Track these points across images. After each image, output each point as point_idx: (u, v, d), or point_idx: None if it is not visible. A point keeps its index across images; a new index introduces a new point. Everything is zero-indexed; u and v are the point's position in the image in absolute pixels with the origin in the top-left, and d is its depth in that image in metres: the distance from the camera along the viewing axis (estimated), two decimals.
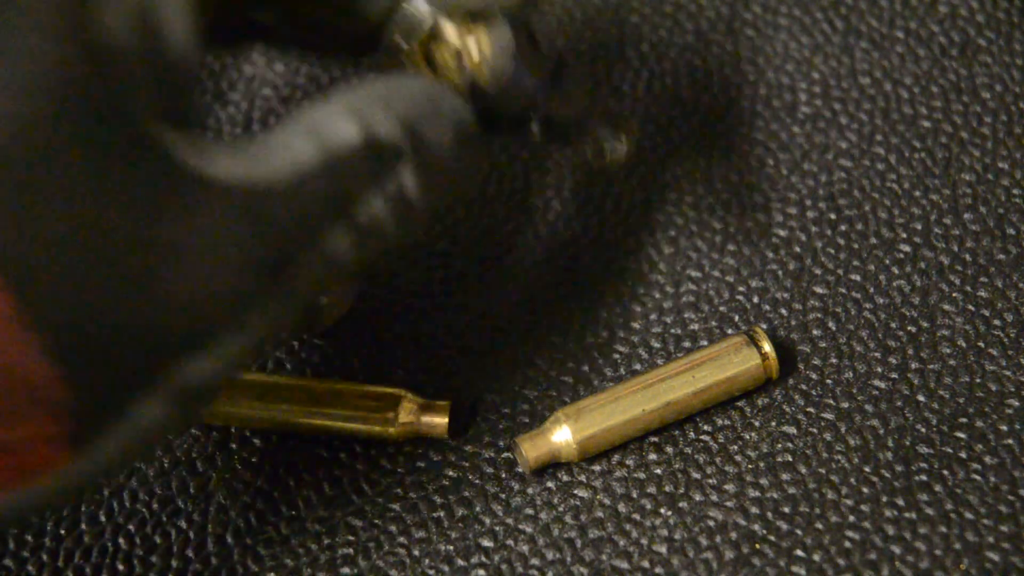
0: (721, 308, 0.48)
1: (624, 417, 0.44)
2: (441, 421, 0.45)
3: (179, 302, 0.31)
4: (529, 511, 0.44)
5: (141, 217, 0.31)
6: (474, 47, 0.41)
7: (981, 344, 0.46)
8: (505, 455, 0.45)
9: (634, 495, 0.44)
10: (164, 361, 0.32)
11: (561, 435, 0.44)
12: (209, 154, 0.33)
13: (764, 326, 0.47)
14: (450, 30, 0.41)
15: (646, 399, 0.44)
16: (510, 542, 0.44)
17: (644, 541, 0.43)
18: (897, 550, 0.43)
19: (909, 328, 0.47)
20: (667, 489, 0.44)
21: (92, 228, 0.30)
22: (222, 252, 0.32)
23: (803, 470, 0.44)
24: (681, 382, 0.44)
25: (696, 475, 0.44)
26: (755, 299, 0.48)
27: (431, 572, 0.43)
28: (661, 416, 0.44)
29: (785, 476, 0.44)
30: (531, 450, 0.44)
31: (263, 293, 0.33)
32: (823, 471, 0.44)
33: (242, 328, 0.33)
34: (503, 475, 0.45)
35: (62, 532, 0.44)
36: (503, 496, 0.44)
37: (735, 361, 0.45)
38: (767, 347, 0.45)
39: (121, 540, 0.44)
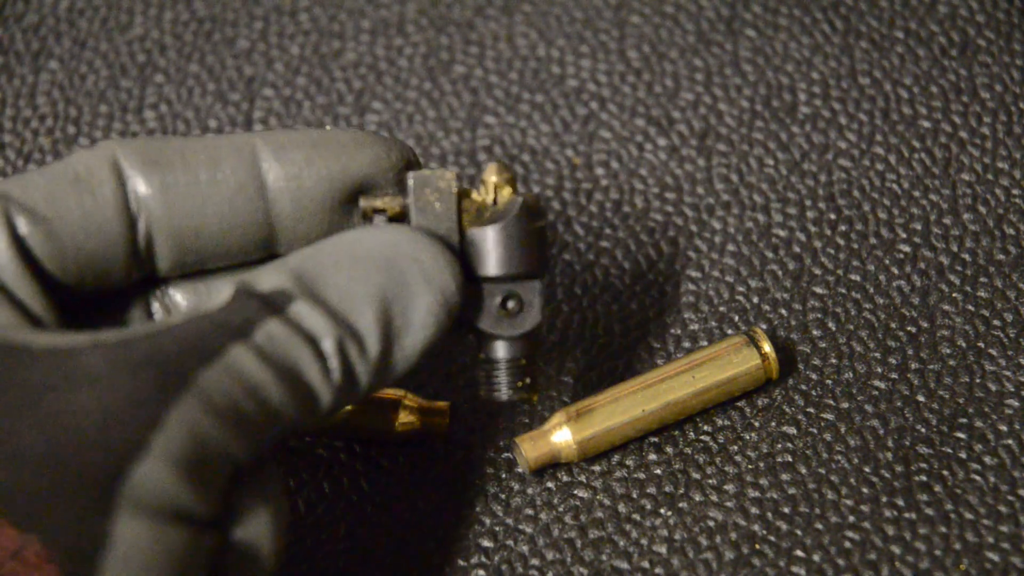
0: (721, 308, 0.48)
1: (624, 417, 0.44)
2: (441, 421, 0.45)
3: (79, 432, 0.34)
4: (529, 511, 0.44)
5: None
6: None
7: (981, 344, 0.46)
8: (505, 455, 0.45)
9: (634, 495, 0.44)
10: (102, 480, 0.34)
11: (561, 435, 0.44)
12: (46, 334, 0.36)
13: (764, 326, 0.47)
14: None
15: (646, 399, 0.44)
16: (510, 542, 0.44)
17: (644, 541, 0.43)
18: (897, 550, 0.43)
19: (909, 328, 0.47)
20: (667, 489, 0.44)
21: None
22: (92, 391, 0.35)
23: (803, 470, 0.44)
24: (681, 382, 0.44)
25: (696, 475, 0.44)
26: (755, 299, 0.48)
27: (431, 572, 0.43)
28: (661, 416, 0.44)
29: (785, 476, 0.44)
30: (531, 450, 0.44)
31: (156, 406, 0.35)
32: (823, 471, 0.44)
33: (157, 431, 0.34)
34: (503, 475, 0.45)
35: None
36: (503, 496, 0.44)
37: (735, 361, 0.45)
38: (767, 347, 0.45)
39: None
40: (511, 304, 0.40)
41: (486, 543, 0.44)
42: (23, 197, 0.38)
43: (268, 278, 0.37)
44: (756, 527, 0.43)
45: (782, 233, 0.49)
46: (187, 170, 0.39)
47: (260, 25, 0.55)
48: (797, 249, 0.49)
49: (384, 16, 0.55)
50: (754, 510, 0.44)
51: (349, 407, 0.44)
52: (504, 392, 0.40)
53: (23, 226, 0.37)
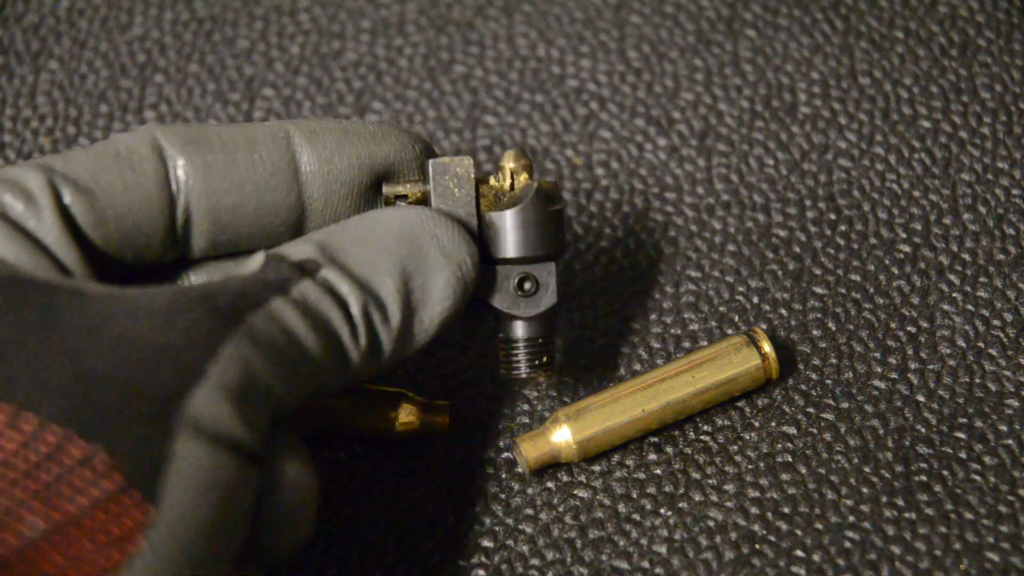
0: (721, 308, 0.48)
1: (624, 417, 0.44)
2: (442, 421, 0.45)
3: (141, 356, 0.36)
4: (529, 511, 0.44)
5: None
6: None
7: (981, 344, 0.46)
8: (505, 455, 0.45)
9: (634, 495, 0.44)
10: (163, 401, 0.35)
11: (561, 435, 0.44)
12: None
13: (764, 326, 0.47)
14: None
15: (646, 399, 0.44)
16: (510, 542, 0.44)
17: (644, 541, 0.43)
18: (897, 550, 0.43)
19: (909, 328, 0.47)
20: (667, 489, 0.44)
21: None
22: (152, 322, 0.37)
23: (803, 470, 0.44)
24: (681, 382, 0.44)
25: (696, 475, 0.44)
26: (755, 299, 0.48)
27: (431, 572, 0.43)
28: (661, 417, 0.44)
29: (785, 476, 0.44)
30: (531, 450, 0.44)
31: (213, 338, 0.37)
32: (823, 471, 0.44)
33: (213, 362, 0.36)
34: (503, 475, 0.45)
35: None
36: (503, 496, 0.44)
37: (735, 361, 0.45)
38: (767, 347, 0.45)
39: None
40: (527, 285, 0.42)
41: (486, 543, 0.44)
42: (67, 169, 0.40)
43: (297, 249, 0.39)
44: (756, 527, 0.43)
45: (782, 233, 0.49)
46: (226, 151, 0.41)
47: (260, 25, 0.55)
48: (797, 249, 0.49)
49: (384, 16, 0.55)
50: (754, 510, 0.44)
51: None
52: (523, 370, 0.42)
53: (68, 196, 0.39)
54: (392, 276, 0.39)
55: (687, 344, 0.47)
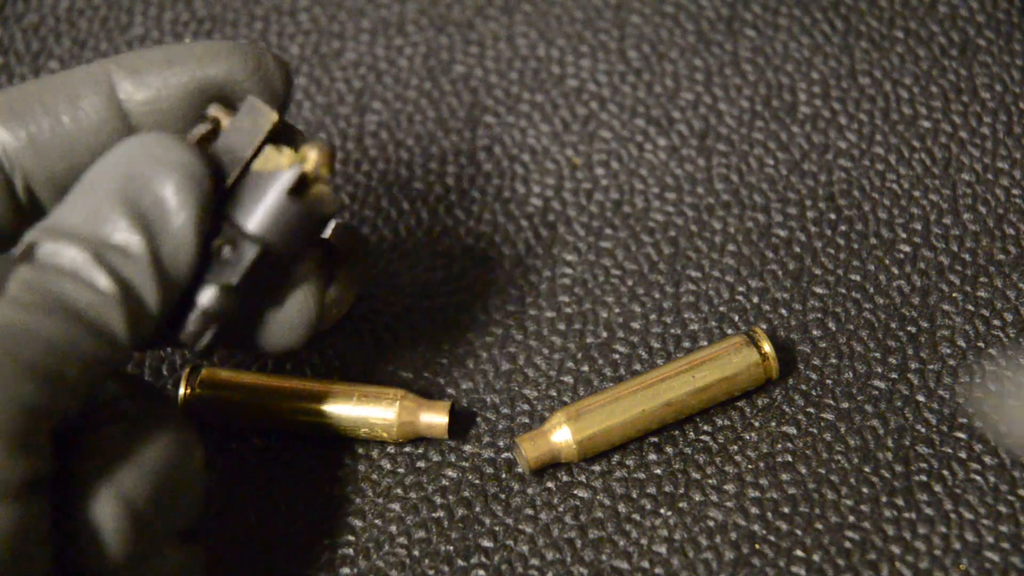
0: (721, 308, 0.48)
1: (624, 417, 0.44)
2: (441, 421, 0.45)
3: None
4: (529, 511, 0.44)
5: None
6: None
7: (981, 344, 0.46)
8: (505, 455, 0.45)
9: (634, 495, 0.44)
10: None
11: (561, 435, 0.44)
12: None
13: (764, 326, 0.47)
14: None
15: (646, 399, 0.44)
16: (510, 542, 0.44)
17: (644, 541, 0.43)
18: (897, 550, 0.43)
19: (909, 328, 0.47)
20: (667, 489, 0.44)
21: None
22: None
23: (803, 470, 0.44)
24: (681, 382, 0.44)
25: (696, 475, 0.44)
26: (755, 299, 0.48)
27: (431, 572, 0.43)
28: (661, 416, 0.44)
29: (785, 476, 0.44)
30: (531, 450, 0.44)
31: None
32: (823, 471, 0.44)
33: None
34: (503, 475, 0.45)
35: None
36: (503, 496, 0.44)
37: (735, 361, 0.45)
38: (767, 347, 0.45)
39: None
40: (226, 250, 0.38)
41: (486, 543, 0.44)
42: None
43: (20, 241, 0.37)
44: (756, 527, 0.43)
45: (782, 233, 0.49)
46: (48, 114, 0.39)
47: (260, 25, 0.55)
48: (797, 249, 0.49)
49: (384, 16, 0.55)
50: (754, 510, 0.44)
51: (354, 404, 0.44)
52: (188, 336, 0.38)
53: None
54: (118, 210, 0.36)
55: (687, 344, 0.47)
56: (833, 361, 0.46)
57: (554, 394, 0.46)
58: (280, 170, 0.39)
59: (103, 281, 0.36)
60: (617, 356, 0.47)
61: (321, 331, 0.47)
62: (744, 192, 0.50)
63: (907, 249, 0.48)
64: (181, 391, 0.45)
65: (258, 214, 0.38)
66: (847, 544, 0.43)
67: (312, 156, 0.39)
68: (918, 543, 0.43)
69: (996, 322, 0.47)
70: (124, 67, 0.40)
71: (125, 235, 0.36)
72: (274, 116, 0.39)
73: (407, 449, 0.45)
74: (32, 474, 0.34)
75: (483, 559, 0.43)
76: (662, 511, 0.44)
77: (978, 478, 0.44)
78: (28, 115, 0.39)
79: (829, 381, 0.46)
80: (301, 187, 0.39)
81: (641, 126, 0.52)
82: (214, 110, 0.39)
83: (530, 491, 0.44)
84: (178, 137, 0.38)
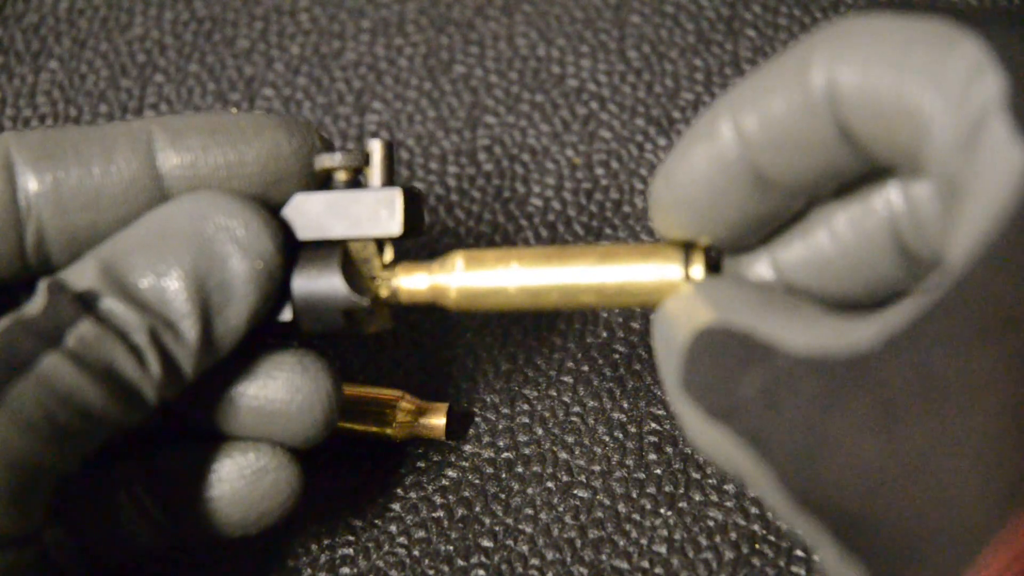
0: None
1: (514, 275, 0.38)
2: (438, 423, 0.45)
3: None
4: (529, 511, 0.44)
5: None
6: None
7: None
8: (505, 455, 0.45)
9: (634, 495, 0.44)
10: None
11: (448, 277, 0.39)
12: None
13: None
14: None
15: (543, 263, 0.38)
16: (510, 542, 0.44)
17: (644, 541, 0.43)
18: None
19: None
20: (667, 489, 0.44)
21: None
22: None
23: None
24: (590, 272, 0.38)
25: (696, 475, 0.44)
26: None
27: (431, 572, 0.43)
28: (556, 294, 0.38)
29: None
30: (408, 281, 0.39)
31: None
32: None
33: None
34: (503, 475, 0.45)
35: None
36: (503, 496, 0.44)
37: (654, 271, 0.38)
38: (699, 273, 0.37)
39: None
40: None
41: (486, 543, 0.44)
42: None
43: (78, 274, 0.36)
44: (756, 527, 0.43)
45: None
46: (80, 163, 0.38)
47: (260, 25, 0.55)
48: None
49: (384, 16, 0.55)
50: (754, 510, 0.44)
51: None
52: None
53: None
54: (183, 284, 0.36)
55: None
56: None
57: (554, 394, 0.46)
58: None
59: (154, 364, 0.36)
60: (617, 356, 0.47)
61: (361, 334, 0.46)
62: None
63: None
64: None
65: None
66: None
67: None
68: None
69: None
70: (167, 129, 0.38)
71: (179, 313, 0.36)
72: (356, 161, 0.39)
73: (407, 449, 0.45)
74: (27, 529, 0.34)
75: (483, 559, 0.43)
76: (662, 511, 0.44)
77: None
78: (59, 159, 0.38)
79: None
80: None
81: (641, 126, 0.52)
82: (318, 162, 0.39)
83: (530, 491, 0.45)
84: (266, 218, 0.37)
